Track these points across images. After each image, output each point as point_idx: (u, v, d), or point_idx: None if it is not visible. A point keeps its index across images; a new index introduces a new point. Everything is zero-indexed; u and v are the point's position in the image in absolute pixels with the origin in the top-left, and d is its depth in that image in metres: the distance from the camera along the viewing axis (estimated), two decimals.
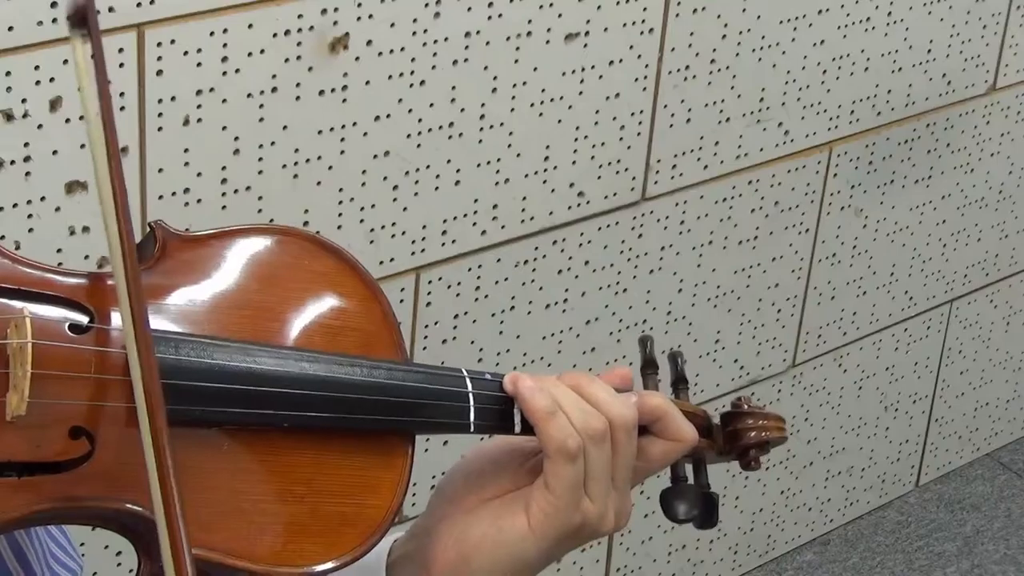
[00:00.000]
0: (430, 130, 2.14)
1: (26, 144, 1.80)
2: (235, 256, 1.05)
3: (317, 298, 1.07)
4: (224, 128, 1.95)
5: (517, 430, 1.08)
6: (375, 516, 1.03)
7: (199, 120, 1.92)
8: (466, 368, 1.08)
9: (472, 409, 1.07)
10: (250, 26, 1.92)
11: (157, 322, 0.99)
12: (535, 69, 2.21)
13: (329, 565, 1.00)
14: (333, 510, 1.02)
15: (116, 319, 0.96)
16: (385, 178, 2.13)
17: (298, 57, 1.97)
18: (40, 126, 1.80)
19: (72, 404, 0.94)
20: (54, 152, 1.82)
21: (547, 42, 2.21)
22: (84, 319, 0.96)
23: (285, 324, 1.05)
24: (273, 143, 2.00)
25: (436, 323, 2.28)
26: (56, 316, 0.95)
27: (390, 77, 2.07)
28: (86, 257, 1.89)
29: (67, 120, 1.81)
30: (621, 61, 2.30)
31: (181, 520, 0.86)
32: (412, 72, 2.09)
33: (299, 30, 1.96)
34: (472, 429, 1.08)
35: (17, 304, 0.95)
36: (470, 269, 2.28)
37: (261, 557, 0.98)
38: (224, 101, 1.93)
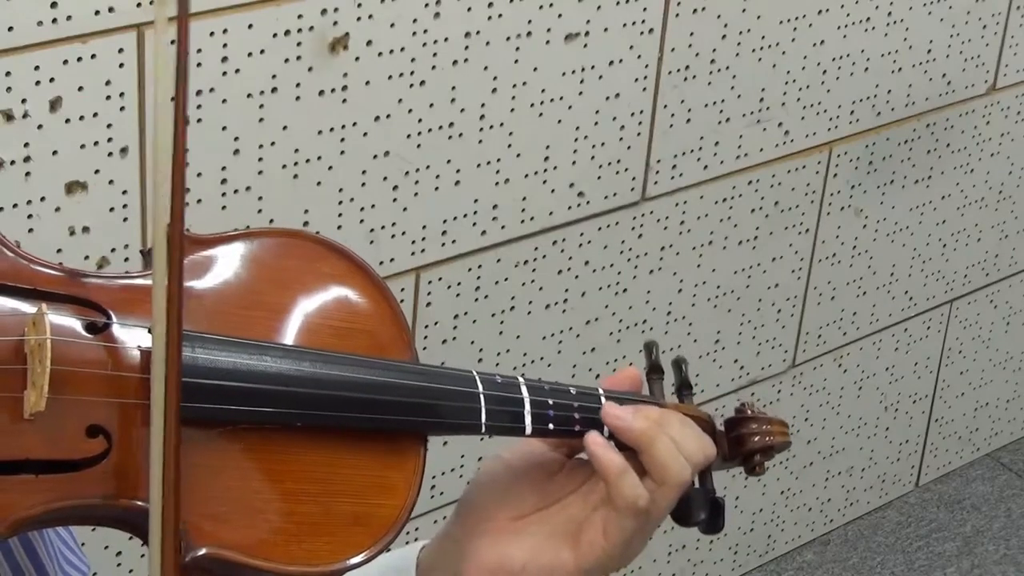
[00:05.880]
0: (430, 130, 2.14)
1: (26, 144, 1.80)
2: (245, 258, 1.06)
3: (328, 299, 1.08)
4: (224, 128, 1.95)
5: (528, 432, 1.09)
6: (388, 516, 1.03)
7: (199, 120, 1.92)
8: (476, 370, 1.09)
9: (483, 410, 1.07)
10: (250, 26, 1.92)
11: None
12: (535, 69, 2.21)
13: (341, 565, 1.01)
14: (346, 510, 1.02)
15: (132, 318, 0.97)
16: (385, 178, 2.13)
17: (298, 57, 1.97)
18: (40, 126, 1.80)
19: (89, 401, 0.94)
20: (54, 152, 1.82)
21: (547, 42, 2.20)
22: (101, 318, 0.97)
23: (296, 325, 1.06)
24: (273, 143, 2.00)
25: (436, 323, 2.28)
26: (73, 314, 0.96)
27: (390, 77, 2.07)
28: (86, 257, 1.89)
29: (67, 120, 1.81)
30: (621, 61, 2.30)
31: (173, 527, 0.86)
32: (412, 72, 2.08)
33: (299, 30, 1.96)
34: (483, 430, 1.08)
35: (34, 303, 0.96)
36: (470, 269, 2.28)
37: (273, 556, 0.98)
38: (224, 101, 1.93)
